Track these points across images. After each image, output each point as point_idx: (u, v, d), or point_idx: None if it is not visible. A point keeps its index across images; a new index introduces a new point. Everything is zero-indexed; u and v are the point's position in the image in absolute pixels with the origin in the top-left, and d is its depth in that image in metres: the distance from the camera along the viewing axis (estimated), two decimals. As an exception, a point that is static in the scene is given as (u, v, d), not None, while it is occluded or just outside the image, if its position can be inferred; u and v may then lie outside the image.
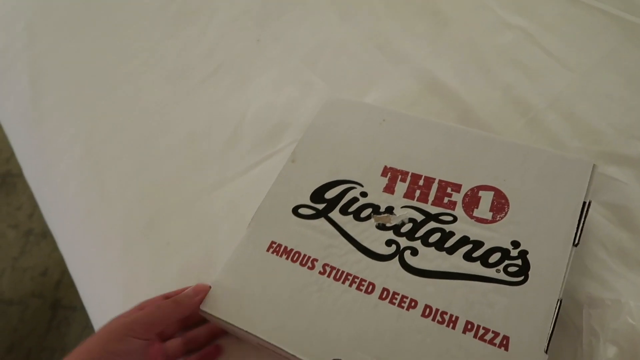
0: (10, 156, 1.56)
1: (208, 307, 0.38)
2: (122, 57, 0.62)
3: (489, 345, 0.33)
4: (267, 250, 0.39)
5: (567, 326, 0.37)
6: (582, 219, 0.36)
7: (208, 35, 0.62)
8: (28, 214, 1.43)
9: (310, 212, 0.41)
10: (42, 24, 0.69)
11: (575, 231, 0.35)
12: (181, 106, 0.56)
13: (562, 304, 0.33)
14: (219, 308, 0.37)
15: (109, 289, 0.47)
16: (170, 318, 0.37)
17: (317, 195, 0.41)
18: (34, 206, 1.42)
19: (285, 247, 0.39)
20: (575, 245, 0.35)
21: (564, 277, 0.34)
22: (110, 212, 0.50)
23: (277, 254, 0.39)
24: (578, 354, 0.36)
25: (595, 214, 0.40)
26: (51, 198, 0.57)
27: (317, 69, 0.55)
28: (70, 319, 1.21)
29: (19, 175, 1.50)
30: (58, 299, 1.25)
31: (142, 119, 0.56)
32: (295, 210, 0.41)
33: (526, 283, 0.34)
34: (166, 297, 0.39)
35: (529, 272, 0.35)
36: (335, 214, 0.40)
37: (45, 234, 1.37)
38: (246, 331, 0.36)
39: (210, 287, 0.39)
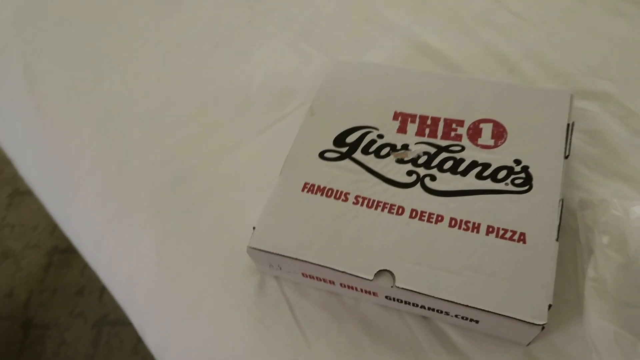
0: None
1: (256, 243, 0.41)
2: (118, 39, 0.64)
3: (509, 241, 0.38)
4: (302, 190, 0.43)
5: (565, 230, 0.43)
6: (569, 136, 0.43)
7: (201, 19, 0.65)
8: (-15, 235, 1.37)
9: (335, 155, 0.45)
10: (31, 11, 0.69)
11: (564, 146, 0.42)
12: (186, 79, 0.59)
13: (563, 202, 0.40)
14: (266, 243, 0.41)
15: (141, 249, 0.49)
16: None
17: (339, 140, 0.46)
18: (-8, 226, 1.36)
19: (319, 186, 0.43)
20: (566, 157, 0.42)
21: (562, 181, 0.40)
22: (130, 179, 0.52)
23: (312, 192, 0.43)
24: (577, 249, 0.42)
25: (574, 139, 0.47)
26: (60, 180, 0.57)
27: (312, 42, 0.60)
28: (45, 337, 1.17)
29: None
30: (29, 318, 1.21)
31: (149, 93, 0.58)
32: (321, 155, 0.45)
33: (532, 190, 0.40)
34: None
35: (532, 182, 0.41)
36: (358, 155, 0.45)
37: (7, 255, 1.32)
38: (296, 259, 0.40)
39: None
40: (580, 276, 0.41)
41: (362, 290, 0.40)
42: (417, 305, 0.39)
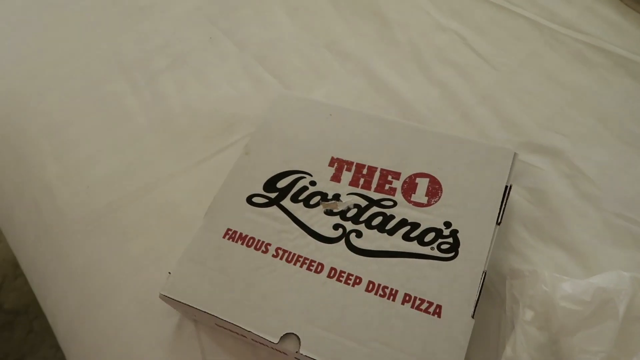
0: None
1: (168, 292, 0.40)
2: (74, 49, 0.62)
3: (424, 313, 0.37)
4: (224, 237, 0.42)
5: (493, 296, 0.41)
6: (504, 201, 0.41)
7: (161, 31, 0.63)
8: (-35, 216, 1.36)
9: (263, 200, 0.44)
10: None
11: (498, 212, 0.40)
12: (136, 99, 0.57)
13: (487, 275, 0.38)
14: (178, 292, 0.39)
15: (66, 273, 0.48)
16: None
17: (270, 184, 0.44)
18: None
19: (241, 234, 0.42)
20: (498, 224, 0.40)
21: (489, 252, 0.39)
22: (61, 204, 0.51)
23: (232, 240, 0.42)
24: (502, 319, 0.40)
25: (517, 196, 0.46)
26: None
27: (268, 66, 0.58)
28: (14, 323, 1.18)
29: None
30: (0, 303, 1.21)
31: (98, 109, 0.57)
32: (249, 199, 0.44)
33: (456, 258, 0.39)
34: None
35: (459, 249, 0.39)
36: (286, 202, 0.43)
37: (-15, 236, 1.31)
38: (204, 311, 0.38)
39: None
40: (501, 352, 0.39)
41: (273, 348, 0.39)
42: (325, 371, 0.38)
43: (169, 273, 0.41)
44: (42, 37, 0.64)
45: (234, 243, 0.41)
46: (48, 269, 0.50)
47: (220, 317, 0.38)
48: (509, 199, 0.41)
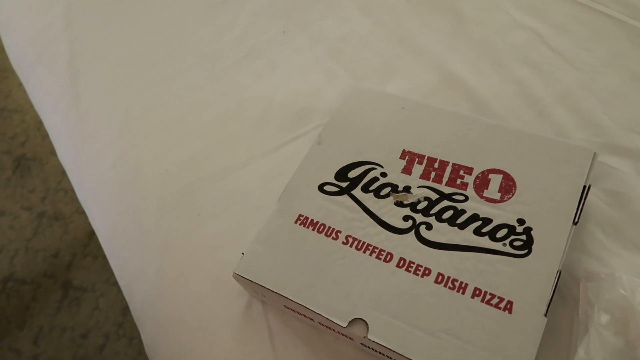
0: (25, 140, 1.59)
1: (241, 271, 0.41)
2: (157, 40, 0.66)
3: (494, 308, 0.36)
4: (295, 222, 0.43)
5: (566, 298, 0.40)
6: (582, 201, 0.40)
7: (238, 25, 0.66)
8: (41, 197, 1.46)
9: (334, 189, 0.45)
10: (81, 6, 0.73)
11: (575, 211, 0.39)
12: (212, 88, 0.60)
13: (561, 275, 0.37)
14: (251, 272, 0.41)
15: (144, 251, 0.51)
16: None
17: (341, 174, 0.45)
18: (47, 189, 1.46)
19: (312, 220, 0.43)
20: (575, 223, 0.39)
21: (564, 251, 0.38)
22: (143, 184, 0.54)
23: (304, 226, 0.43)
24: (575, 322, 0.39)
25: (595, 198, 0.44)
26: (85, 173, 0.60)
27: (340, 60, 0.59)
28: (81, 299, 1.25)
29: (34, 159, 1.54)
30: (69, 279, 1.29)
31: (175, 99, 0.60)
32: (321, 187, 0.45)
33: (530, 256, 0.38)
34: None
35: (533, 246, 0.38)
36: (357, 192, 0.44)
37: (58, 217, 1.41)
38: (276, 292, 0.40)
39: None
40: (572, 354, 0.38)
41: (339, 332, 0.40)
42: (390, 358, 0.38)
43: (242, 254, 0.42)
44: (131, 29, 0.69)
45: (305, 228, 0.43)
46: (127, 244, 0.53)
47: (290, 299, 0.39)
48: (587, 199, 0.40)
